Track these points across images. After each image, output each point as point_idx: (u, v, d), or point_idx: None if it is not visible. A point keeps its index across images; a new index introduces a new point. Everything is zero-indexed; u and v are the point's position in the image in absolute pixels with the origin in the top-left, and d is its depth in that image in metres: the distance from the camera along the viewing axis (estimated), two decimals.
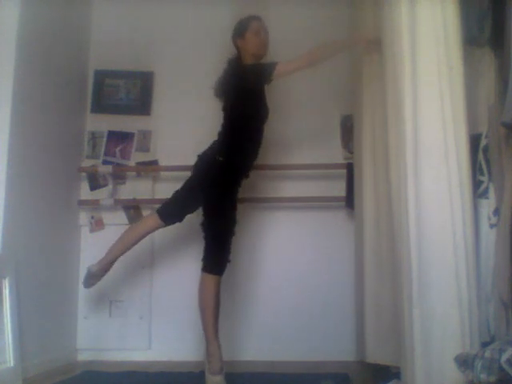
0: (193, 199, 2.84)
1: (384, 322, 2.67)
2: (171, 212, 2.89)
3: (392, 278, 2.50)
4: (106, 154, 3.60)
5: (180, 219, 2.92)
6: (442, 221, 1.98)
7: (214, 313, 2.71)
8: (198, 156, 2.88)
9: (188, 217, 2.96)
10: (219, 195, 2.76)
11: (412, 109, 2.07)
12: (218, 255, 2.73)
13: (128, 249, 2.96)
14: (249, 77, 2.79)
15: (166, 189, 3.35)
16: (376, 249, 2.78)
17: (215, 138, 2.93)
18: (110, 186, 3.50)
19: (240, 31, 2.90)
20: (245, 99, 2.80)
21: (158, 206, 3.49)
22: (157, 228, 2.94)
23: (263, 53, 2.90)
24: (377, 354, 2.72)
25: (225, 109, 2.90)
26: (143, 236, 2.95)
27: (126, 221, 3.51)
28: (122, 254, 2.96)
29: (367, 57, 2.82)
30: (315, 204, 3.43)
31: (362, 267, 2.86)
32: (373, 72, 2.76)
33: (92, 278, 2.95)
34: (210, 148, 2.85)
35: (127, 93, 3.67)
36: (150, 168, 3.57)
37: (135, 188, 3.52)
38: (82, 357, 3.40)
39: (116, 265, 3.46)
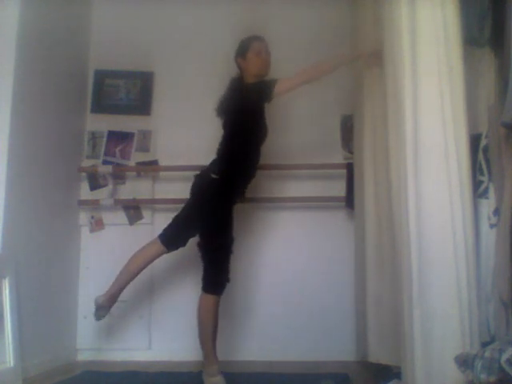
0: (194, 221, 2.79)
1: (386, 322, 2.67)
2: (173, 238, 2.85)
3: (393, 277, 2.51)
4: (106, 154, 3.60)
5: (183, 244, 2.88)
6: (442, 221, 1.98)
7: (212, 331, 2.72)
8: (195, 176, 2.85)
9: None
10: (215, 214, 2.73)
11: (412, 109, 2.07)
12: (216, 276, 2.72)
13: (132, 278, 2.91)
14: (250, 95, 2.79)
15: (166, 189, 3.37)
16: (378, 248, 2.78)
17: (215, 137, 2.93)
18: (110, 186, 3.50)
19: (242, 51, 2.91)
20: (245, 118, 2.79)
21: (158, 206, 3.51)
22: (159, 255, 2.89)
23: (264, 73, 2.90)
24: (379, 354, 2.73)
25: (225, 127, 2.89)
26: (146, 264, 2.90)
27: (126, 221, 3.51)
28: (127, 283, 2.91)
29: (367, 70, 2.83)
30: (315, 204, 3.43)
31: (364, 267, 2.87)
32: (373, 72, 2.76)
33: (100, 310, 2.87)
34: (207, 167, 2.83)
35: (127, 93, 3.67)
36: (150, 168, 3.57)
37: (135, 188, 3.52)
38: (82, 357, 3.40)
39: (116, 265, 3.47)
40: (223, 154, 2.83)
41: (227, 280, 2.75)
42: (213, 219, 2.73)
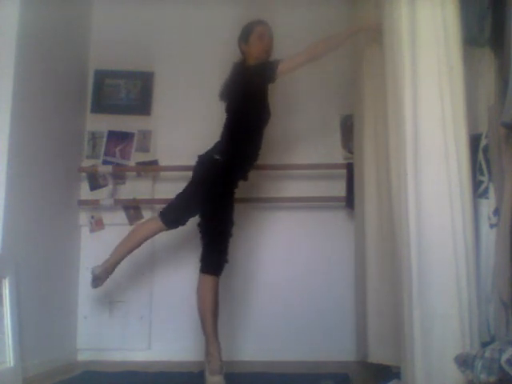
0: (195, 202, 2.82)
1: (386, 322, 2.67)
2: (174, 216, 2.87)
3: (394, 277, 2.50)
4: (106, 154, 3.60)
5: (183, 223, 2.90)
6: (442, 221, 1.98)
7: (213, 313, 2.71)
8: (199, 156, 2.88)
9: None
10: (216, 195, 2.76)
11: (412, 109, 2.07)
12: (215, 256, 2.73)
13: (130, 252, 2.96)
14: (253, 77, 2.80)
15: (166, 189, 3.36)
16: (378, 248, 2.78)
17: (216, 137, 2.93)
18: (110, 186, 3.50)
19: (244, 35, 2.92)
20: (248, 101, 2.80)
21: (158, 206, 3.50)
22: (159, 232, 2.93)
23: (267, 57, 2.91)
24: (379, 354, 2.73)
25: (228, 110, 2.91)
26: (145, 239, 2.95)
27: (126, 221, 3.51)
28: (124, 256, 2.97)
29: (368, 53, 2.82)
30: (315, 204, 3.43)
31: (364, 267, 2.86)
32: (373, 72, 2.76)
33: (96, 280, 2.96)
34: (211, 149, 2.86)
35: (127, 93, 3.67)
36: (150, 168, 3.57)
37: (135, 188, 3.52)
38: (82, 357, 3.40)
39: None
40: (226, 137, 2.84)
41: (226, 261, 2.75)
42: (214, 200, 2.75)
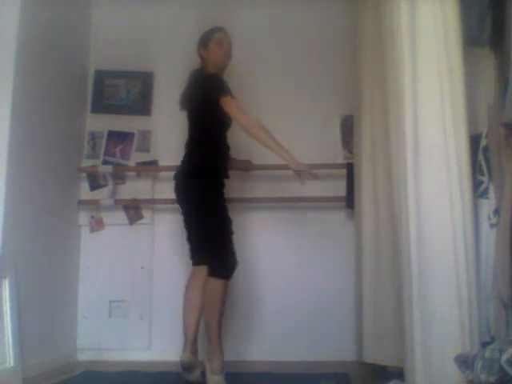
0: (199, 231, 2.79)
1: (382, 322, 2.67)
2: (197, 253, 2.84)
3: (390, 278, 2.51)
4: (106, 154, 3.60)
5: None
6: (442, 221, 1.98)
7: (221, 314, 2.70)
8: (176, 178, 2.82)
9: None
10: (212, 198, 2.74)
11: (412, 109, 2.07)
12: (225, 258, 2.71)
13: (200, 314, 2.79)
14: (206, 88, 2.78)
15: (166, 189, 3.35)
16: (374, 249, 2.78)
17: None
18: (110, 186, 3.50)
19: (203, 42, 2.91)
20: (208, 108, 2.76)
21: (158, 206, 3.52)
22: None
23: (225, 63, 2.92)
24: (374, 354, 2.73)
25: (189, 118, 2.88)
26: (201, 290, 2.79)
27: (126, 221, 3.51)
28: (198, 324, 2.80)
29: (368, 53, 2.82)
30: (315, 204, 3.43)
31: (361, 267, 2.87)
32: (373, 72, 2.76)
33: (189, 369, 2.72)
34: (184, 166, 2.82)
35: (127, 93, 3.67)
36: (150, 168, 3.57)
37: (135, 188, 3.52)
38: (83, 357, 3.40)
39: (116, 265, 3.48)
40: (195, 148, 2.82)
41: (236, 262, 2.74)
42: (212, 204, 2.73)
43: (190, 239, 2.85)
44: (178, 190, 2.81)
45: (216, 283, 2.67)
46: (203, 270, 2.74)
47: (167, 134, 3.57)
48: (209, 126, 2.81)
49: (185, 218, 2.82)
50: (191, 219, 2.79)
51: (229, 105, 2.68)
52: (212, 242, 2.72)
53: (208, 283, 2.70)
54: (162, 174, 3.56)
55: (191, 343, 2.75)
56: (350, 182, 3.28)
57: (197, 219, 2.76)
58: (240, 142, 3.39)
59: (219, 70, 2.87)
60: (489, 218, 2.19)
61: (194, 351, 2.76)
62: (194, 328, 2.77)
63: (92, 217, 3.53)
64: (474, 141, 2.20)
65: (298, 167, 2.71)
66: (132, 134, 3.61)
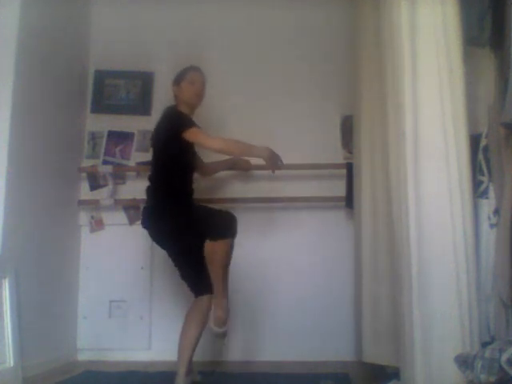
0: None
1: (381, 322, 2.67)
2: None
3: (390, 278, 2.51)
4: (106, 154, 3.60)
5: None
6: (441, 221, 1.98)
7: (226, 269, 2.74)
8: (144, 214, 2.80)
9: None
10: (177, 231, 2.71)
11: (412, 109, 2.07)
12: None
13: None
14: (169, 123, 2.80)
15: None
16: (373, 249, 2.78)
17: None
18: (110, 186, 3.50)
19: (177, 79, 2.93)
20: (168, 142, 2.76)
21: None
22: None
23: (196, 103, 2.91)
24: (374, 354, 2.73)
25: (153, 152, 2.87)
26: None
27: (126, 221, 3.51)
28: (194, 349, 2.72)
29: (368, 53, 2.82)
30: (315, 204, 3.43)
31: (360, 267, 2.87)
32: (373, 72, 2.76)
33: None
34: (150, 202, 2.81)
35: (127, 93, 3.67)
36: (149, 168, 3.56)
37: (135, 188, 3.51)
38: (83, 357, 3.40)
39: (116, 265, 3.48)
40: (155, 185, 2.82)
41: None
42: (183, 230, 2.71)
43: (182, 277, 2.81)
44: (156, 239, 2.81)
45: (202, 300, 2.69)
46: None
47: None
48: (169, 160, 2.79)
49: (169, 255, 2.82)
50: (173, 257, 2.79)
51: (194, 135, 2.70)
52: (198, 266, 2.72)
53: (196, 302, 2.71)
54: None
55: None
56: (349, 181, 3.28)
57: (177, 257, 2.77)
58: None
59: (190, 108, 2.88)
60: (489, 218, 2.19)
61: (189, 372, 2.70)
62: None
63: (92, 217, 3.53)
64: (474, 141, 2.20)
65: (270, 156, 2.75)
66: (132, 134, 3.61)
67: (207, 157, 3.17)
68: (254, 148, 2.77)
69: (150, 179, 2.85)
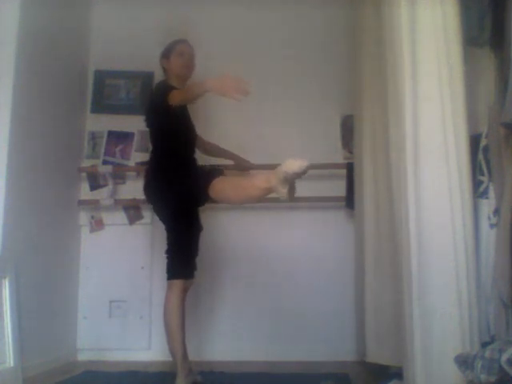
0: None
1: (384, 322, 2.67)
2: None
3: (392, 278, 2.51)
4: (106, 154, 3.60)
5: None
6: (442, 221, 1.98)
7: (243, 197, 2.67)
8: (145, 190, 2.82)
9: None
10: (175, 212, 2.72)
11: (412, 109, 2.07)
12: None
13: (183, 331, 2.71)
14: (155, 94, 2.81)
15: None
16: (376, 249, 2.78)
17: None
18: (110, 186, 3.50)
19: (166, 53, 2.94)
20: (157, 118, 2.78)
21: None
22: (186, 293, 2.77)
23: (187, 74, 2.93)
24: (376, 354, 2.73)
25: (149, 129, 2.89)
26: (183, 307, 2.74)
27: (126, 221, 3.51)
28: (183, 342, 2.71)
29: (368, 53, 2.82)
30: (315, 204, 3.43)
31: (362, 267, 2.87)
32: (373, 72, 2.76)
33: None
34: (148, 175, 2.82)
35: (127, 93, 3.67)
36: None
37: (135, 188, 3.51)
38: (83, 357, 3.40)
39: (116, 265, 3.48)
40: (154, 159, 2.83)
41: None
42: (177, 216, 2.73)
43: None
44: (149, 201, 2.86)
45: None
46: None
47: None
48: (160, 131, 2.81)
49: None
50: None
51: (171, 97, 2.65)
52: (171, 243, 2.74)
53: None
54: None
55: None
56: (349, 181, 3.28)
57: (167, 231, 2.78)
58: (239, 141, 3.40)
59: (180, 81, 2.89)
60: (489, 218, 2.19)
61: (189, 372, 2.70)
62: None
63: (92, 217, 3.53)
64: (474, 141, 2.20)
65: (222, 82, 2.51)
66: (132, 134, 3.61)
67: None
68: (206, 82, 2.57)
69: (150, 155, 2.86)
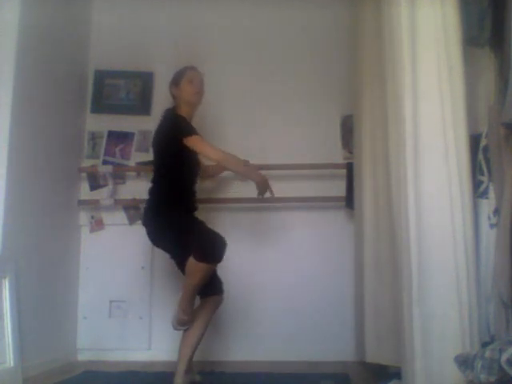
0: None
1: (383, 322, 2.67)
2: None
3: (391, 278, 2.51)
4: (106, 154, 3.60)
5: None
6: (442, 221, 1.98)
7: (199, 288, 2.67)
8: (145, 224, 2.82)
9: None
10: (176, 229, 2.73)
11: (412, 109, 2.07)
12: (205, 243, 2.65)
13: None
14: (169, 127, 2.82)
15: None
16: (375, 249, 2.78)
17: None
18: (110, 186, 3.50)
19: (176, 80, 2.95)
20: (169, 147, 2.79)
21: None
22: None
23: (196, 101, 2.94)
24: (376, 354, 2.73)
25: (154, 156, 2.90)
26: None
27: (126, 221, 3.51)
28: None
29: (368, 53, 2.82)
30: (315, 204, 3.43)
31: (362, 267, 2.87)
32: (373, 72, 2.76)
33: None
34: (149, 203, 2.84)
35: (127, 93, 3.67)
36: (150, 168, 3.54)
37: (135, 188, 3.52)
38: (82, 357, 3.40)
39: (116, 265, 3.48)
40: (156, 190, 2.84)
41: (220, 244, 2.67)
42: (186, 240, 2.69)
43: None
44: (151, 235, 2.82)
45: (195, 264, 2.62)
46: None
47: None
48: (170, 165, 2.82)
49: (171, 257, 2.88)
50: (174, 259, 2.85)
51: (194, 142, 2.72)
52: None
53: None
54: None
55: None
56: (349, 181, 3.28)
57: (177, 258, 2.82)
58: (238, 141, 3.40)
59: (191, 108, 2.91)
60: (489, 218, 2.19)
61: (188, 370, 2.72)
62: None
63: (92, 217, 3.53)
64: (474, 141, 2.20)
65: (262, 183, 2.80)
66: (132, 134, 3.61)
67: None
68: (249, 170, 2.83)
69: (152, 181, 2.88)
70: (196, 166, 2.96)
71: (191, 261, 2.59)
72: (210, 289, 2.75)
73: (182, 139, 2.71)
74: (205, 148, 2.74)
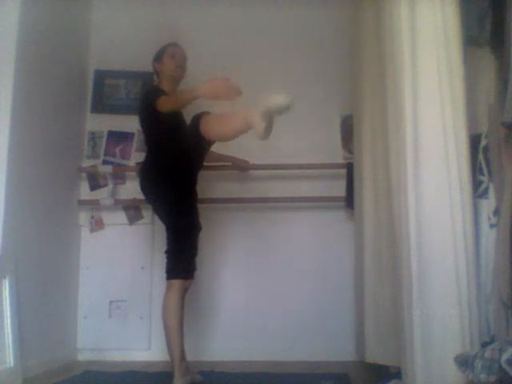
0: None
1: (383, 322, 2.67)
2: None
3: (391, 278, 2.51)
4: (106, 154, 3.60)
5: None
6: (442, 221, 1.98)
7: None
8: (142, 189, 2.85)
9: None
10: (173, 205, 2.74)
11: (412, 109, 2.07)
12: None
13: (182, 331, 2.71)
14: (145, 99, 2.84)
15: None
16: (376, 249, 2.78)
17: None
18: (110, 186, 3.50)
19: (158, 56, 2.97)
20: (147, 118, 2.81)
21: None
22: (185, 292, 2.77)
23: (179, 75, 2.95)
24: (376, 354, 2.73)
25: (144, 134, 2.94)
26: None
27: (126, 221, 3.51)
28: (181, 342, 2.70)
29: (368, 53, 2.82)
30: (315, 204, 3.43)
31: (362, 267, 2.87)
32: (373, 72, 2.76)
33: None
34: (143, 173, 2.86)
35: (127, 93, 3.67)
36: None
37: (135, 188, 3.49)
38: (82, 357, 3.40)
39: (116, 265, 3.48)
40: (152, 155, 2.86)
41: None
42: (174, 210, 2.74)
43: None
44: (147, 199, 2.89)
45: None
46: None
47: None
48: (154, 135, 2.84)
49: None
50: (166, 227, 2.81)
51: (159, 104, 2.65)
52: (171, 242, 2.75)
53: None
54: None
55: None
56: (349, 182, 3.28)
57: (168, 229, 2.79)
58: (238, 141, 3.39)
59: (173, 82, 2.92)
60: (489, 218, 2.19)
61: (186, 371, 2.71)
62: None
63: (92, 217, 3.53)
64: (474, 141, 2.20)
65: (217, 86, 2.54)
66: (132, 134, 3.61)
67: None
68: (197, 88, 2.57)
69: (144, 162, 2.90)
70: (182, 135, 2.82)
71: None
72: (177, 270, 2.71)
73: (155, 106, 2.65)
74: (162, 105, 2.63)
